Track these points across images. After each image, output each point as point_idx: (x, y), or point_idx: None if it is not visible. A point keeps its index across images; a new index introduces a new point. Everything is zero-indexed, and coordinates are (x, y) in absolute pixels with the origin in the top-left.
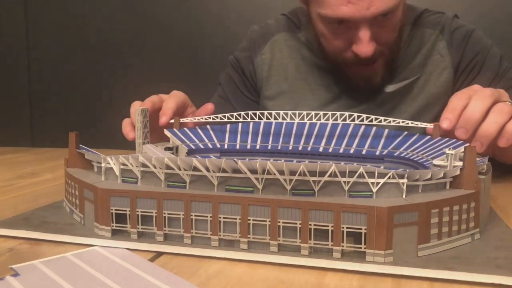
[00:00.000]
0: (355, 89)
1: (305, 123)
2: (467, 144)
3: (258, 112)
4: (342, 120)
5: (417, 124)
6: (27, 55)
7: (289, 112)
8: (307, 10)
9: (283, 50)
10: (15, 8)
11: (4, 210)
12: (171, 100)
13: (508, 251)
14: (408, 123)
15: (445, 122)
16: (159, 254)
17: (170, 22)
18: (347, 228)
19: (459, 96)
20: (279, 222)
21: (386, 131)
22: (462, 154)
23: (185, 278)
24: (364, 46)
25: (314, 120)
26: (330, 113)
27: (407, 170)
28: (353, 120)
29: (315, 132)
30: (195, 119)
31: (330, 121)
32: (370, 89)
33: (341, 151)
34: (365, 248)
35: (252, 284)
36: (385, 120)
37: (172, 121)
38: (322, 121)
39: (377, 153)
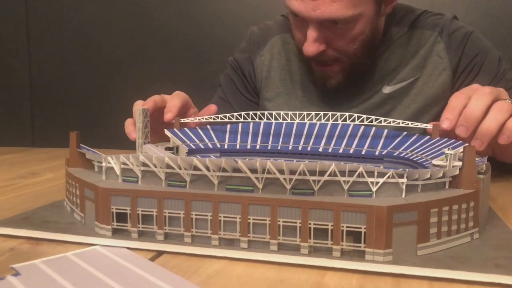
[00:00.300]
0: (352, 90)
1: (305, 123)
2: (466, 144)
3: (258, 112)
4: (342, 121)
5: (417, 125)
6: (27, 55)
7: (289, 113)
8: None
9: (282, 51)
10: (16, 9)
11: (5, 210)
12: (176, 99)
13: (507, 250)
14: (408, 124)
15: (445, 123)
16: (160, 253)
17: (171, 22)
18: (346, 227)
19: (458, 96)
20: (279, 221)
21: (386, 131)
22: (461, 154)
23: (185, 277)
24: (307, 44)
25: (314, 121)
26: (330, 113)
27: (407, 169)
28: (353, 120)
29: (314, 132)
30: (195, 119)
31: (330, 122)
32: (323, 89)
33: (340, 151)
34: (364, 247)
35: (252, 283)
36: (384, 120)
37: (173, 121)
38: (322, 121)
39: (377, 153)
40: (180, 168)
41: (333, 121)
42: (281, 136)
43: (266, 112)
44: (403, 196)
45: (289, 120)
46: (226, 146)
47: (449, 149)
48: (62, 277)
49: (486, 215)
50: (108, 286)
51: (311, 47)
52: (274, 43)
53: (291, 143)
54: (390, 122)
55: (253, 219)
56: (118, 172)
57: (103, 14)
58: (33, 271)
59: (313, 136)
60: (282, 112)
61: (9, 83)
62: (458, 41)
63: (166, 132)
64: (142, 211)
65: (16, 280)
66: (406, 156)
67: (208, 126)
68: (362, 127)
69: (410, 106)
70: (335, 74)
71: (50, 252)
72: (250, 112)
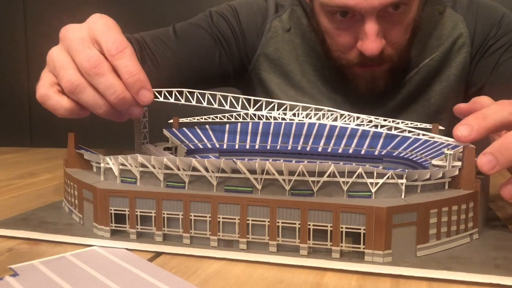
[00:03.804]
0: (360, 97)
1: (304, 123)
2: (467, 144)
3: (257, 113)
4: (342, 121)
5: (416, 125)
6: (26, 54)
7: (288, 113)
8: (310, 4)
9: (296, 27)
10: (13, 8)
11: (3, 210)
12: (128, 57)
13: (506, 251)
14: (407, 123)
15: (462, 130)
16: (158, 253)
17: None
18: (346, 228)
19: (502, 105)
20: (278, 222)
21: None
22: (461, 154)
23: (184, 278)
24: (370, 42)
25: (313, 120)
26: (329, 113)
27: (406, 170)
28: (352, 120)
29: (314, 132)
30: (194, 119)
31: (329, 121)
32: (371, 94)
33: (340, 151)
34: (364, 248)
35: (250, 283)
36: (384, 120)
37: (171, 121)
38: (321, 121)
39: (376, 153)
40: (178, 169)
41: (332, 121)
42: (280, 136)
43: (265, 112)
44: (403, 196)
45: (288, 120)
46: (225, 146)
47: (448, 149)
48: (61, 278)
49: (486, 215)
50: (106, 286)
51: (375, 43)
52: (294, 12)
53: (290, 143)
54: (389, 122)
55: (252, 220)
56: (116, 173)
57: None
58: (31, 271)
59: (312, 136)
60: (281, 111)
61: (8, 83)
62: (483, 11)
63: (165, 132)
64: (140, 212)
65: (14, 280)
66: (405, 156)
67: (207, 126)
68: (361, 126)
69: (429, 98)
70: (384, 74)
71: (49, 253)
72: (250, 112)
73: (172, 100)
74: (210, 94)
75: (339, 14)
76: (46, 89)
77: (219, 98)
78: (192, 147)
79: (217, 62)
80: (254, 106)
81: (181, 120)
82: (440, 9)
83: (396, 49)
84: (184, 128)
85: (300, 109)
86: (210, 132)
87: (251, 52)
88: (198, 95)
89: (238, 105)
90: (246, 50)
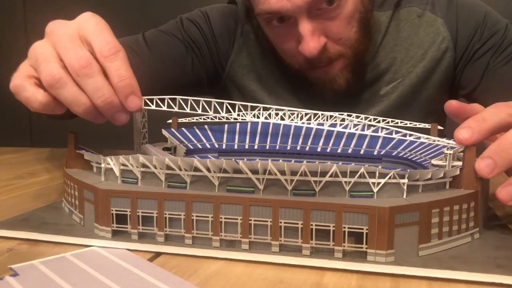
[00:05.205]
0: (339, 103)
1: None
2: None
3: (256, 112)
4: (341, 121)
5: (415, 125)
6: (26, 55)
7: (287, 112)
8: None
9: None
10: (13, 8)
11: (3, 210)
12: (121, 61)
13: (507, 250)
14: (406, 123)
15: (463, 132)
16: (158, 253)
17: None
18: (348, 228)
19: (499, 108)
20: (281, 222)
21: (384, 130)
22: (460, 153)
23: (184, 277)
24: (306, 42)
25: (312, 120)
26: (328, 114)
27: (408, 170)
28: (352, 126)
29: (313, 132)
30: (193, 119)
31: (328, 121)
32: (335, 95)
33: (339, 151)
34: (366, 248)
35: (251, 283)
36: (383, 120)
37: (170, 121)
38: (321, 120)
39: (375, 153)
40: (180, 169)
41: (331, 121)
42: (279, 136)
43: (262, 108)
44: (405, 196)
45: (287, 119)
46: (224, 146)
47: (448, 149)
48: (61, 278)
49: (485, 214)
50: (106, 286)
51: (312, 42)
52: (249, 31)
53: (289, 143)
54: (388, 122)
55: (254, 220)
56: (117, 173)
57: (102, 14)
58: (31, 271)
59: (311, 136)
60: (280, 112)
61: (7, 83)
62: (464, 12)
63: (164, 132)
64: (142, 212)
65: (15, 280)
66: (404, 156)
67: (206, 126)
68: (360, 126)
69: (415, 105)
70: (341, 72)
71: (49, 253)
72: (249, 108)
73: (164, 108)
74: (204, 101)
75: (275, 20)
76: (21, 80)
77: (214, 104)
78: (191, 147)
79: (189, 70)
80: (251, 111)
81: (179, 120)
82: (418, 11)
83: (344, 45)
84: (183, 128)
85: (297, 115)
86: (209, 132)
87: (224, 59)
88: (192, 102)
89: (234, 111)
90: (219, 56)
